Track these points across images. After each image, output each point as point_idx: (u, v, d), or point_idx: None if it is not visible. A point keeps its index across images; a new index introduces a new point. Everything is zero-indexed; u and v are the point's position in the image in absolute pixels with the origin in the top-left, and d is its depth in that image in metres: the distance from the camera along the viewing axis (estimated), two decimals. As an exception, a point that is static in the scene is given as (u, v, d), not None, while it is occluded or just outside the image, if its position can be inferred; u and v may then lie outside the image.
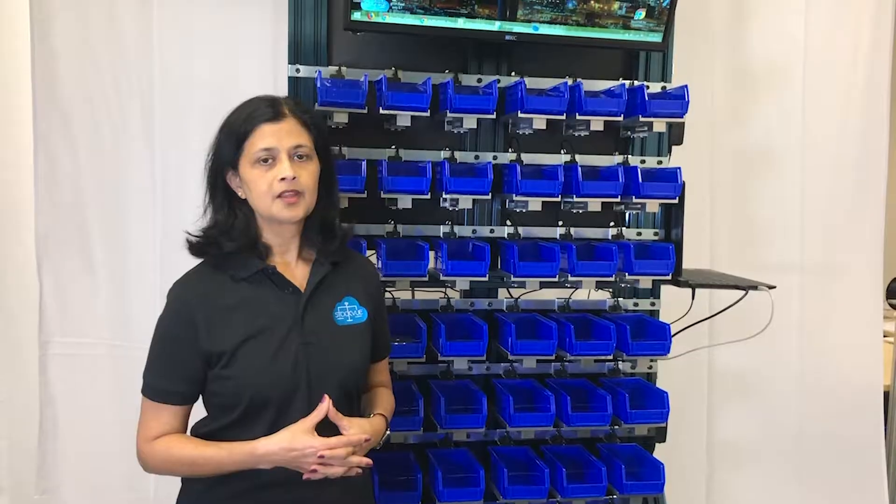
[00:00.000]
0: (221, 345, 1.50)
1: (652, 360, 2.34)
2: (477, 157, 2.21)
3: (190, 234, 1.57)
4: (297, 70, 2.10)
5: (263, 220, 1.55)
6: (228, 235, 1.54)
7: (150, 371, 1.55)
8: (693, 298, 2.27)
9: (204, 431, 1.55)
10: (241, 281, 1.54)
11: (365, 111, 1.98)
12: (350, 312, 1.60)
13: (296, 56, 2.11)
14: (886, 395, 3.15)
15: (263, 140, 1.49)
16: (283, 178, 1.47)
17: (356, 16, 1.96)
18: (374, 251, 2.11)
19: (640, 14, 2.12)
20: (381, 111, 1.98)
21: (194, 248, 1.57)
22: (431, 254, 2.12)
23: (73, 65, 2.58)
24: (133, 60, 2.61)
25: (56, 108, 2.58)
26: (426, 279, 2.04)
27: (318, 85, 1.95)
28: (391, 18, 1.98)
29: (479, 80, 2.19)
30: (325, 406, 1.48)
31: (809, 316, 3.03)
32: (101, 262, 2.67)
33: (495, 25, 2.05)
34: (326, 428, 1.48)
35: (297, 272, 1.59)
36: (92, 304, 2.67)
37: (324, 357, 1.54)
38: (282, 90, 2.18)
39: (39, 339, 2.63)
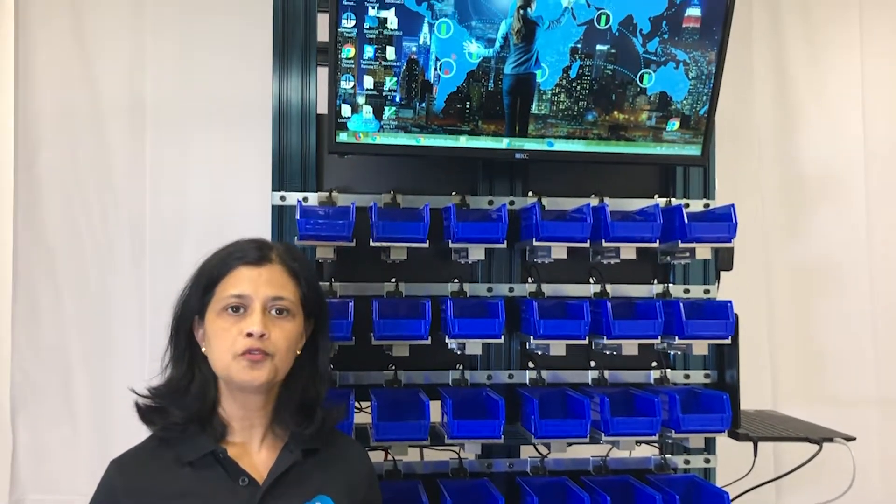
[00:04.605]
0: (148, 551, 1.17)
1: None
2: (490, 290, 1.90)
3: (138, 394, 1.27)
4: (282, 198, 1.85)
5: (224, 385, 1.26)
6: (179, 401, 1.24)
7: None
8: (756, 455, 1.87)
9: None
10: (185, 465, 1.23)
11: (353, 244, 1.70)
12: None
13: (280, 181, 1.86)
14: None
15: (238, 285, 1.22)
16: (249, 334, 1.19)
17: (342, 137, 1.70)
18: (367, 403, 1.79)
19: (674, 125, 1.83)
20: (372, 244, 1.70)
21: (141, 412, 1.27)
22: (437, 404, 1.79)
23: (58, 196, 2.46)
24: (123, 191, 2.48)
25: (38, 244, 2.45)
26: (427, 442, 1.69)
27: (297, 216, 1.67)
28: (382, 139, 1.72)
29: (491, 203, 1.91)
30: None
31: (892, 458, 2.60)
32: (84, 410, 2.50)
33: (503, 143, 1.77)
34: None
35: (259, 457, 1.26)
36: (71, 457, 2.45)
37: None
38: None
39: (10, 498, 2.38)
